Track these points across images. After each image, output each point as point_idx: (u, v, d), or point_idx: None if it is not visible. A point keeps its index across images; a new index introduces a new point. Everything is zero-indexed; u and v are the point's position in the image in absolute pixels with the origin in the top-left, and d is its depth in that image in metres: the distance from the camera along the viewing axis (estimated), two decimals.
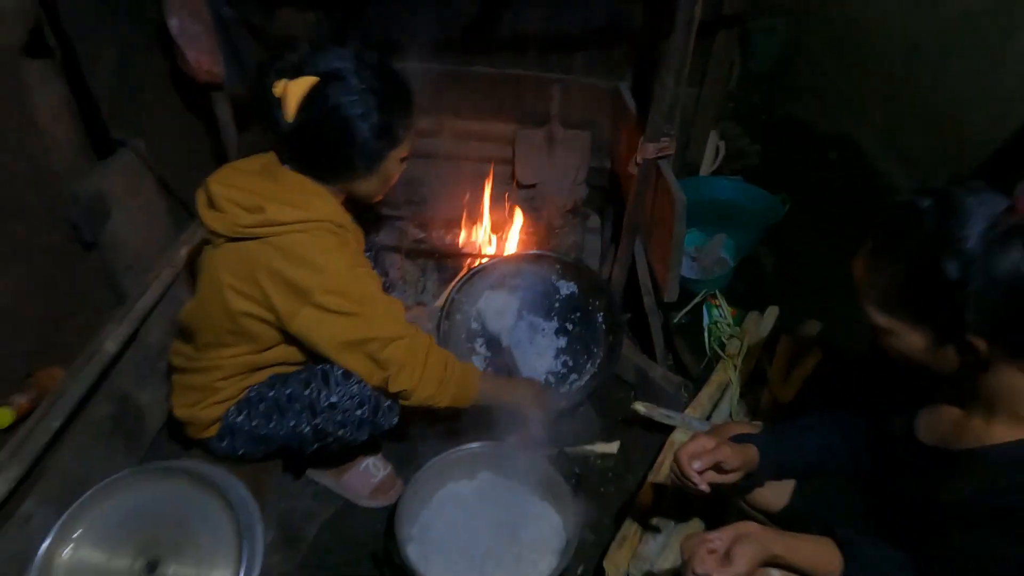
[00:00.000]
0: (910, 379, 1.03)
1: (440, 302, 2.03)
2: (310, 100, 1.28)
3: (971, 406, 0.97)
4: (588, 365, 1.95)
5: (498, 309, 2.03)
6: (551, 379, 1.94)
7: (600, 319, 1.98)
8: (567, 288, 2.04)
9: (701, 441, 1.13)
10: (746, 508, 1.25)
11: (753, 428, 1.31)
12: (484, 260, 2.18)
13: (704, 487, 1.11)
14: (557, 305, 2.03)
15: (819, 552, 1.04)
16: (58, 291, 1.58)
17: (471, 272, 2.04)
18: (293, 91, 1.27)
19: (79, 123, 1.63)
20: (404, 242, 2.35)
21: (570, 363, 1.96)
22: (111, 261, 1.73)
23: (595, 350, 1.97)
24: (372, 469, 1.70)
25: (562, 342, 1.99)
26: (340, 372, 1.43)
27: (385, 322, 1.37)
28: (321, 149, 1.34)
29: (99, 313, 1.68)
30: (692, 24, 1.57)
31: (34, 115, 1.50)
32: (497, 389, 1.55)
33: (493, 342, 1.99)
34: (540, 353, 1.98)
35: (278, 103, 1.29)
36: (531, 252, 2.10)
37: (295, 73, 1.28)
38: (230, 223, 1.31)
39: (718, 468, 1.12)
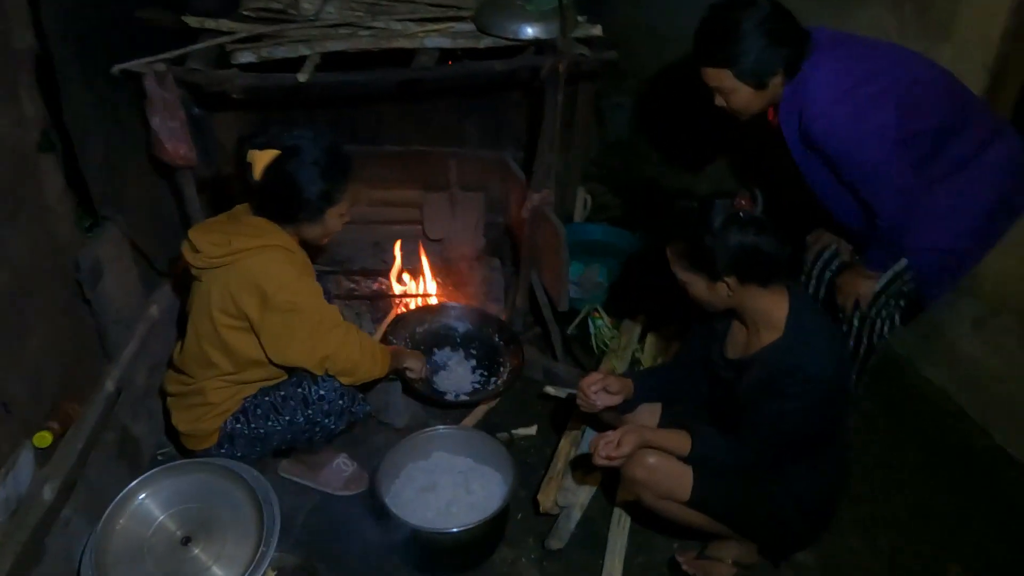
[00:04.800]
0: (714, 318, 1.62)
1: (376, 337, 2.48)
2: (272, 167, 1.71)
3: (749, 325, 1.57)
4: (501, 368, 2.45)
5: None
6: (476, 387, 2.39)
7: (497, 338, 2.51)
8: (462, 326, 2.57)
9: (594, 374, 1.67)
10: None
11: None
12: (401, 308, 2.69)
13: (599, 403, 1.64)
14: (458, 339, 2.54)
15: (676, 436, 1.59)
16: (70, 340, 1.88)
17: (394, 319, 2.53)
18: (260, 159, 1.72)
19: (74, 203, 1.98)
20: (339, 291, 2.77)
21: (486, 373, 2.44)
22: (101, 315, 2.04)
23: (502, 359, 2.47)
24: (343, 466, 2.08)
25: (473, 363, 2.48)
26: None
27: (323, 313, 1.77)
28: (278, 202, 1.76)
29: (94, 359, 1.99)
30: (557, 109, 2.19)
31: (46, 198, 1.85)
32: (394, 356, 1.98)
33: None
34: (460, 373, 2.44)
35: (249, 167, 1.72)
36: (431, 304, 2.67)
37: (265, 146, 1.73)
38: (206, 257, 1.73)
39: (606, 391, 1.66)
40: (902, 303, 1.97)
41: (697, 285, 1.52)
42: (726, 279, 1.47)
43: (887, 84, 1.68)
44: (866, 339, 2.01)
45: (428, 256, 2.92)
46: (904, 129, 1.69)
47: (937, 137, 1.76)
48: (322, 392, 1.80)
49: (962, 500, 2.13)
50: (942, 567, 1.94)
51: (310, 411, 1.81)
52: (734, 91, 1.73)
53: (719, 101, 1.79)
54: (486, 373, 2.45)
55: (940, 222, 1.81)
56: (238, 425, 1.85)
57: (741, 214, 1.43)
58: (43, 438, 1.65)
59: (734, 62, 1.68)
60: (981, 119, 1.82)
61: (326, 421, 1.83)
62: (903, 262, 1.87)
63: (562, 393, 2.22)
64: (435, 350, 2.51)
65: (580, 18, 2.25)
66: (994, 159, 1.79)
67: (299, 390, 1.81)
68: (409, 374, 2.07)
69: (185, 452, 1.93)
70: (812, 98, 1.68)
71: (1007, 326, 2.28)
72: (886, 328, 1.99)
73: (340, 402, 1.82)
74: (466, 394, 2.35)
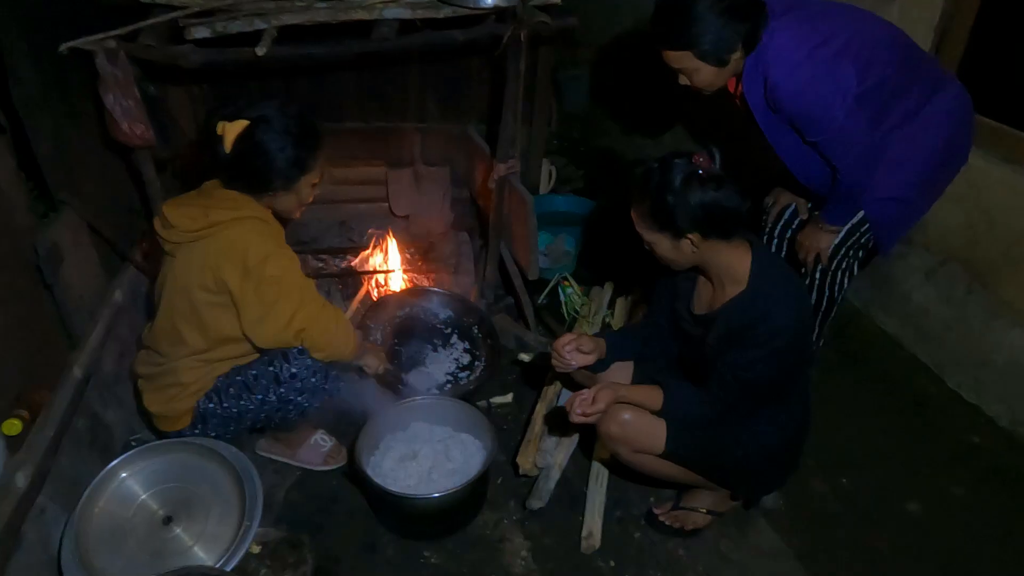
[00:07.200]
0: (679, 275, 1.67)
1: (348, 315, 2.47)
2: (242, 138, 1.70)
3: (714, 280, 1.62)
4: (476, 363, 2.45)
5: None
6: (450, 378, 2.38)
7: (475, 330, 2.51)
8: (444, 313, 2.57)
9: (568, 334, 1.71)
10: None
11: None
12: (379, 290, 2.68)
13: (573, 362, 1.68)
14: (439, 325, 2.54)
15: (648, 391, 1.64)
16: (31, 327, 1.84)
17: (373, 303, 2.51)
18: (230, 130, 1.70)
19: (29, 187, 1.93)
20: (308, 270, 2.75)
21: (463, 363, 2.43)
22: (62, 301, 2.00)
23: (478, 352, 2.48)
24: (321, 442, 2.08)
25: (450, 352, 2.48)
26: (296, 348, 1.83)
27: (303, 285, 1.78)
28: (250, 173, 1.75)
29: (57, 347, 1.95)
30: (520, 77, 2.20)
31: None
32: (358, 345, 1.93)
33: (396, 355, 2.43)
34: (437, 360, 2.44)
35: (219, 139, 1.70)
36: (415, 287, 2.64)
37: (233, 117, 1.72)
38: (181, 232, 1.71)
39: (580, 351, 1.70)
40: (860, 254, 2.05)
41: (662, 244, 1.56)
42: (689, 235, 1.51)
43: (842, 44, 1.73)
44: (828, 291, 2.09)
45: (395, 233, 2.91)
46: (860, 86, 1.75)
47: (889, 92, 1.82)
48: (294, 370, 1.80)
49: (919, 443, 2.24)
50: (901, 504, 2.05)
51: (282, 389, 1.80)
52: (697, 71, 1.76)
53: (683, 80, 1.81)
54: (463, 363, 2.44)
55: (892, 172, 1.87)
56: (211, 405, 1.84)
57: (700, 171, 1.47)
58: (13, 425, 1.62)
59: (693, 44, 1.70)
60: (928, 72, 1.89)
61: (299, 399, 1.83)
62: (860, 214, 1.95)
63: (531, 354, 2.27)
64: (415, 332, 2.48)
65: None
66: (938, 109, 1.86)
67: (270, 368, 1.80)
68: (366, 370, 2.01)
69: (158, 434, 1.92)
70: (774, 65, 1.72)
71: (955, 275, 2.39)
72: (846, 280, 2.07)
73: (312, 380, 1.82)
74: (437, 387, 2.33)
